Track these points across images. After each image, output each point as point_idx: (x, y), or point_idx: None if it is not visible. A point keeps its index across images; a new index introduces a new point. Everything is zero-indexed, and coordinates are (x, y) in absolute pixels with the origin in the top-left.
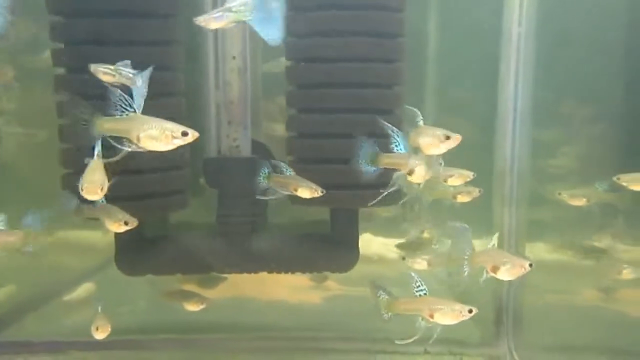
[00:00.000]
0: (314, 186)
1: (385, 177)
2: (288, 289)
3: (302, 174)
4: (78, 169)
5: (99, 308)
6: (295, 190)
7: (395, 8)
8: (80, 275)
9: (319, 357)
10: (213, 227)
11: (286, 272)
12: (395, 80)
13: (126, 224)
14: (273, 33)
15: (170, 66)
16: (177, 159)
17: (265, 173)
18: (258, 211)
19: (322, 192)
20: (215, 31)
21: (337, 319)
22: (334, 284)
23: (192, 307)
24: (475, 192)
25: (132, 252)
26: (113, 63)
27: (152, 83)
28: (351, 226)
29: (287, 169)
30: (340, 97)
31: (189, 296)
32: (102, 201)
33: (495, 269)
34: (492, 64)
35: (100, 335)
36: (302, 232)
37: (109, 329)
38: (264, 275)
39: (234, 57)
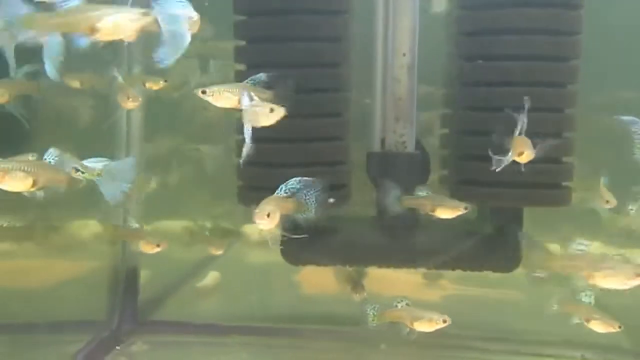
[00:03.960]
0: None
1: (554, 176)
2: (405, 286)
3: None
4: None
5: None
6: None
7: (573, 5)
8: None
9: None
10: (371, 221)
11: (447, 269)
12: (570, 79)
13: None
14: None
15: (338, 62)
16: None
17: None
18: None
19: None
20: (385, 27)
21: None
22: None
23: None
24: None
25: (297, 243)
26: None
27: (319, 78)
28: (516, 225)
29: None
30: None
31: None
32: None
33: None
34: None
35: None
36: (460, 229)
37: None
38: (380, 271)
39: (404, 54)
